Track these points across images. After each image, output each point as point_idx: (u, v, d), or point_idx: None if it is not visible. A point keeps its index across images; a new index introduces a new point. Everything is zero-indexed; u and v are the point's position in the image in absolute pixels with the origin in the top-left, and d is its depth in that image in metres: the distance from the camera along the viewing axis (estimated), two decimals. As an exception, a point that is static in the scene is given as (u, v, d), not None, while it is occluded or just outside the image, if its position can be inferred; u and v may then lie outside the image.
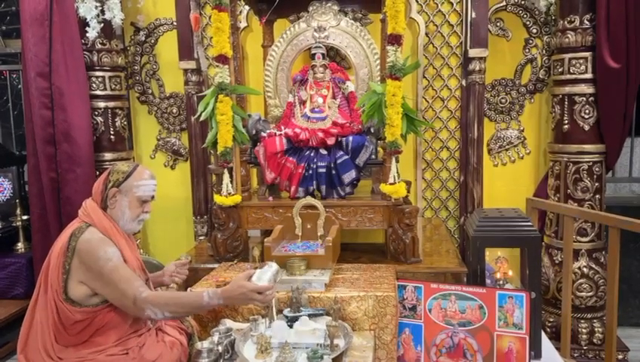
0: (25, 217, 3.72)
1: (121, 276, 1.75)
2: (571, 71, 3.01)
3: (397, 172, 2.42)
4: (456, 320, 2.13)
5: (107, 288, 1.75)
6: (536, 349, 2.28)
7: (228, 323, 2.00)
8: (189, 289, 2.17)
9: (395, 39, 2.33)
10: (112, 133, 3.47)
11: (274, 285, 1.86)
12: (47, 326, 1.75)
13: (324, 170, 2.54)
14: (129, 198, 1.88)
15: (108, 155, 3.47)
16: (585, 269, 3.07)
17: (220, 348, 1.77)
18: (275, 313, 1.96)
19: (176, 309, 1.80)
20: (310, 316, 1.94)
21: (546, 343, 2.42)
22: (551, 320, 3.16)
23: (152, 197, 1.96)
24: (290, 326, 1.89)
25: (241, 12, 3.23)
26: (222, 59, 2.45)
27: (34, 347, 1.76)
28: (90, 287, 1.76)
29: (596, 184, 3.05)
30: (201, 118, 2.53)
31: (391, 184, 2.41)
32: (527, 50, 3.37)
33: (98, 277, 1.74)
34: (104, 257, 1.75)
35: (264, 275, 1.85)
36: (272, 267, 1.92)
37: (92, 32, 3.25)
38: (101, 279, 1.74)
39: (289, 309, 1.99)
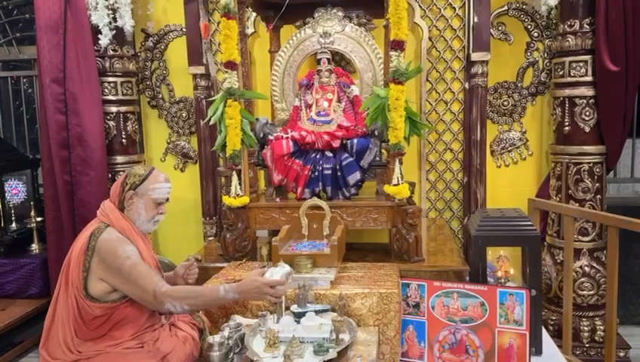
0: (39, 219, 3.81)
1: (140, 272, 1.82)
2: (572, 74, 3.07)
3: (400, 173, 2.48)
4: (459, 317, 2.19)
5: (127, 284, 1.83)
6: (536, 345, 2.33)
7: (238, 318, 2.08)
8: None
9: (398, 45, 2.40)
10: (123, 136, 3.57)
11: (285, 280, 1.95)
12: (68, 322, 1.84)
13: (329, 171, 2.60)
14: (145, 200, 1.97)
15: (120, 158, 3.57)
16: (586, 268, 3.12)
17: (231, 342, 1.84)
18: (283, 308, 2.03)
19: (194, 302, 1.87)
20: (316, 312, 2.01)
21: (547, 340, 2.46)
22: (553, 318, 3.21)
23: (167, 199, 2.04)
24: (298, 322, 1.97)
25: (248, 18, 3.31)
26: (230, 65, 2.53)
27: (55, 341, 1.85)
28: (111, 284, 1.84)
29: (597, 184, 3.10)
30: (211, 122, 2.61)
31: (395, 185, 2.48)
32: (528, 54, 3.43)
33: (118, 275, 1.82)
34: (123, 255, 1.83)
35: (276, 273, 1.94)
36: (284, 267, 2.01)
37: (104, 39, 3.34)
38: (121, 276, 1.82)
39: (296, 305, 2.07)
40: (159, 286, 1.82)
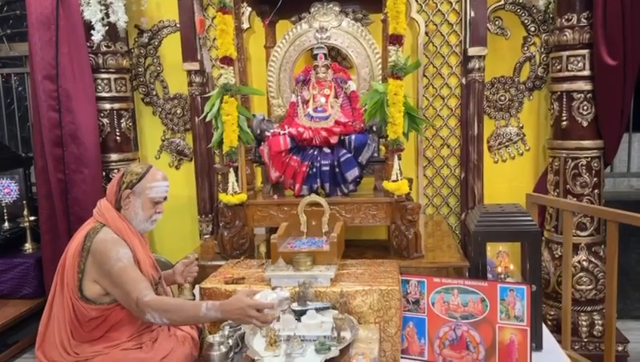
0: (32, 218, 3.76)
1: (129, 277, 1.78)
2: (569, 68, 3.06)
3: (399, 169, 2.47)
4: (459, 313, 2.18)
5: (114, 287, 1.79)
6: (537, 341, 2.32)
7: (237, 317, 2.05)
8: (196, 286, 2.23)
9: (397, 39, 2.39)
10: (117, 134, 3.53)
11: (276, 304, 1.73)
12: (64, 323, 1.81)
13: (327, 168, 2.58)
14: (142, 199, 1.93)
15: (114, 156, 3.53)
16: (584, 263, 3.12)
17: (231, 341, 1.82)
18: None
19: (172, 317, 1.76)
20: (317, 310, 1.99)
21: (547, 335, 2.46)
22: (552, 313, 3.21)
23: (165, 198, 2.00)
24: (298, 320, 1.95)
25: (243, 13, 3.27)
26: (227, 60, 2.50)
27: (51, 343, 1.82)
28: (102, 286, 1.81)
29: (595, 179, 3.09)
30: (207, 119, 2.58)
31: (393, 181, 2.46)
32: (525, 48, 3.41)
33: (107, 277, 1.79)
34: (114, 257, 1.79)
35: (269, 296, 1.76)
36: (282, 291, 1.83)
37: (97, 35, 3.30)
38: (110, 278, 1.78)
39: (296, 303, 2.04)
40: (143, 294, 1.75)
